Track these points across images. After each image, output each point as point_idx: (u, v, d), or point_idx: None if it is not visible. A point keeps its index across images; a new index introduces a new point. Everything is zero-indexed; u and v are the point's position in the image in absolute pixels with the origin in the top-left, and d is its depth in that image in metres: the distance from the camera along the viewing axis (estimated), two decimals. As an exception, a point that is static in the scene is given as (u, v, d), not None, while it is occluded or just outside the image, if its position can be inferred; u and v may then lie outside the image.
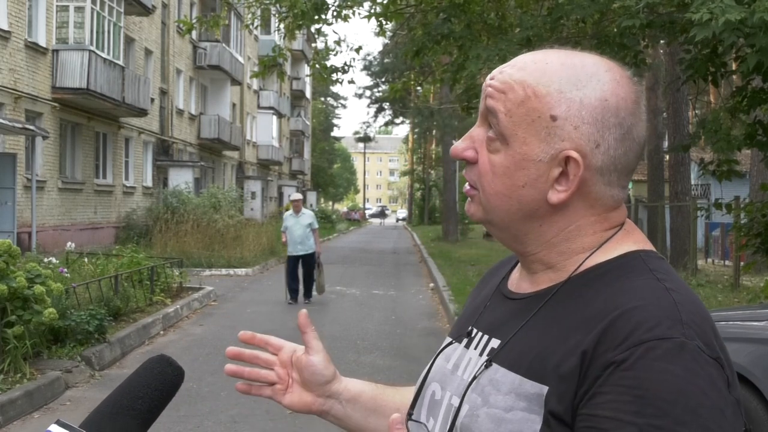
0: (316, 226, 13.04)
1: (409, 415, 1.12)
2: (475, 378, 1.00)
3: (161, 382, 0.98)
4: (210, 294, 13.37)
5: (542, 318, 0.99)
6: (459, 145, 1.04)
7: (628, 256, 0.99)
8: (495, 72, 1.04)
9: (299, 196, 13.28)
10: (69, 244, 12.95)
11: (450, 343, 1.13)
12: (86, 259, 12.53)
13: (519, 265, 1.12)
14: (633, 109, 0.99)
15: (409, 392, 1.25)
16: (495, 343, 1.03)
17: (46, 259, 10.62)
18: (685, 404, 0.84)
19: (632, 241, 1.02)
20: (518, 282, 1.10)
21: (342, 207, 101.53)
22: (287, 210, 13.20)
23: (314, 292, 13.22)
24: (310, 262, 12.92)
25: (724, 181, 7.47)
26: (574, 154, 0.97)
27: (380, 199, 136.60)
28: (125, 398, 0.95)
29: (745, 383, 4.76)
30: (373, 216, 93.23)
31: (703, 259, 19.97)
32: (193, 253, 18.73)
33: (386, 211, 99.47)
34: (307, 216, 12.93)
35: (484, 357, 1.03)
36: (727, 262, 18.70)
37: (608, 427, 0.85)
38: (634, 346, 0.87)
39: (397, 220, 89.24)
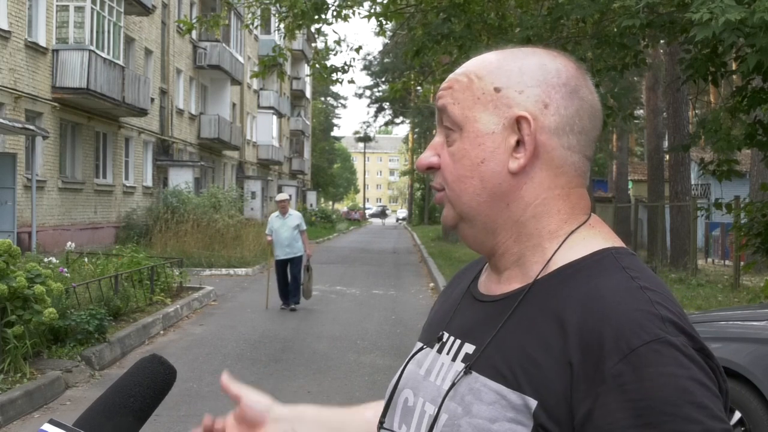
0: (304, 227, 12.35)
1: (381, 423, 1.11)
2: (452, 386, 0.98)
3: (153, 380, 0.98)
4: (210, 294, 13.37)
5: (517, 322, 0.97)
6: (422, 157, 1.06)
7: (599, 254, 0.98)
8: None
9: (285, 196, 12.46)
10: (69, 244, 12.94)
11: (421, 348, 1.11)
12: (86, 259, 12.52)
13: (487, 265, 1.10)
14: (575, 73, 1.03)
15: (356, 409, 1.26)
16: (469, 348, 1.01)
17: (46, 259, 10.63)
18: (691, 401, 0.84)
19: (601, 237, 1.01)
20: (487, 283, 1.08)
21: (342, 207, 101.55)
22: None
23: (302, 298, 12.43)
24: (297, 265, 12.20)
25: (724, 181, 7.48)
26: (522, 113, 0.99)
27: (380, 199, 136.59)
28: (118, 396, 0.96)
29: (745, 383, 4.76)
30: (373, 216, 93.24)
31: (703, 259, 19.98)
32: (193, 253, 18.72)
33: (387, 211, 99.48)
34: (295, 217, 12.24)
35: (458, 363, 1.01)
36: (727, 262, 18.71)
37: None
38: (625, 356, 0.86)
39: (397, 219, 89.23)
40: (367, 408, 1.27)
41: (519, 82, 1.00)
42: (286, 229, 12.12)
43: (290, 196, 14.56)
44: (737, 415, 4.78)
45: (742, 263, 12.98)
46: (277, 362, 8.35)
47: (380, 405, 1.24)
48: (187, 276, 13.79)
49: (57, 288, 7.40)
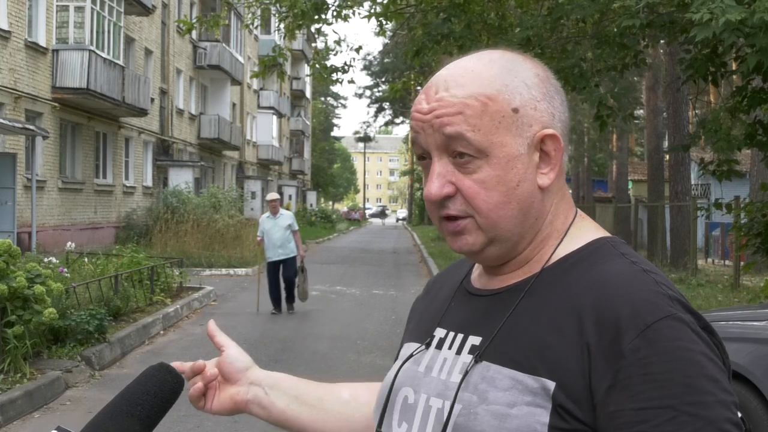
0: (296, 227, 11.96)
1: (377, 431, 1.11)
2: (465, 376, 0.99)
3: (160, 389, 0.99)
4: (210, 294, 13.37)
5: (526, 310, 0.99)
6: (434, 187, 1.01)
7: (597, 243, 1.03)
8: (427, 105, 1.02)
9: (276, 195, 11.99)
10: (69, 244, 12.94)
11: (415, 350, 1.11)
12: (86, 259, 12.52)
13: (478, 265, 1.12)
14: (552, 75, 1.07)
15: (332, 388, 1.29)
16: (475, 340, 1.02)
17: (46, 259, 10.62)
18: (705, 374, 0.89)
19: (593, 228, 1.07)
20: (483, 279, 1.09)
21: (342, 207, 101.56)
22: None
23: (297, 300, 12.08)
24: (291, 267, 11.81)
25: (724, 181, 7.48)
26: (549, 131, 1.02)
27: (380, 199, 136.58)
28: (125, 404, 0.96)
29: (745, 383, 4.76)
30: (373, 216, 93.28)
31: (703, 259, 19.97)
32: (193, 253, 18.73)
33: (386, 211, 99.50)
34: (286, 217, 11.82)
35: (465, 355, 1.02)
36: (727, 262, 18.70)
37: (646, 417, 0.88)
38: (641, 332, 0.90)
39: (397, 219, 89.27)
40: (342, 388, 1.29)
41: (531, 98, 1.01)
42: (277, 230, 11.73)
43: (290, 196, 14.45)
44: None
45: (742, 263, 12.98)
46: (277, 362, 8.35)
47: (356, 385, 1.29)
48: (187, 276, 13.79)
49: (57, 288, 7.40)
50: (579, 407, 0.91)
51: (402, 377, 1.10)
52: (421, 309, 1.22)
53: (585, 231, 1.05)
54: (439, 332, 1.09)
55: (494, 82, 1.00)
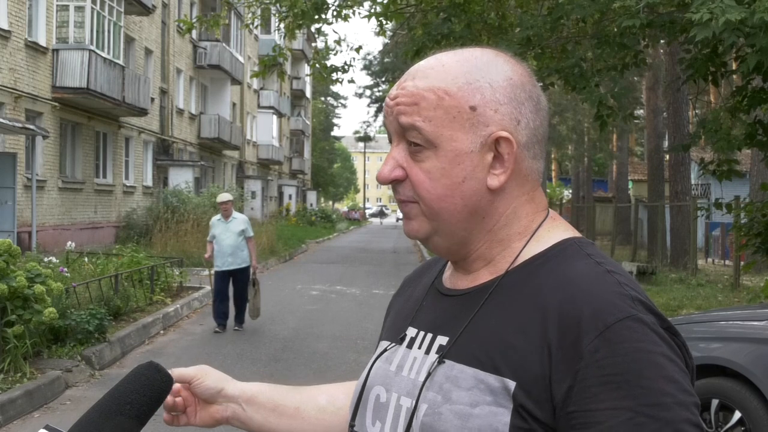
0: (251, 233, 10.43)
1: (351, 426, 1.12)
2: (428, 376, 1.00)
3: (149, 388, 0.99)
4: (210, 293, 13.34)
5: (491, 311, 1.00)
6: (384, 169, 1.04)
7: (564, 244, 1.03)
8: (395, 91, 1.05)
9: (228, 197, 10.45)
10: (69, 243, 12.95)
11: (387, 347, 1.12)
12: (86, 259, 12.53)
13: (450, 264, 1.13)
14: (531, 80, 1.06)
15: (309, 394, 1.29)
16: (443, 340, 1.03)
17: (46, 259, 10.63)
18: (664, 375, 0.89)
19: (562, 228, 1.07)
20: (454, 280, 1.10)
21: (342, 207, 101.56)
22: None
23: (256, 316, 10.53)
24: (243, 278, 10.31)
25: (724, 181, 7.49)
26: (503, 133, 1.01)
27: (380, 199, 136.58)
28: (114, 403, 0.96)
29: (745, 383, 4.76)
30: (372, 215, 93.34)
31: (703, 259, 19.98)
32: (193, 252, 18.71)
33: (386, 211, 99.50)
34: (240, 221, 10.31)
35: (433, 355, 1.03)
36: (727, 262, 18.72)
37: (602, 418, 0.88)
38: (601, 333, 0.90)
39: (398, 219, 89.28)
40: (320, 393, 1.30)
41: (493, 101, 1.01)
42: (229, 236, 10.20)
43: (290, 195, 14.27)
44: (737, 415, 4.78)
45: (742, 263, 12.99)
46: (277, 362, 8.35)
47: (333, 388, 1.29)
48: (187, 275, 13.79)
49: (57, 288, 7.40)
50: (539, 407, 0.92)
51: (374, 376, 1.11)
52: (397, 307, 1.23)
53: (553, 232, 1.05)
54: (411, 331, 1.10)
55: (458, 78, 1.01)
